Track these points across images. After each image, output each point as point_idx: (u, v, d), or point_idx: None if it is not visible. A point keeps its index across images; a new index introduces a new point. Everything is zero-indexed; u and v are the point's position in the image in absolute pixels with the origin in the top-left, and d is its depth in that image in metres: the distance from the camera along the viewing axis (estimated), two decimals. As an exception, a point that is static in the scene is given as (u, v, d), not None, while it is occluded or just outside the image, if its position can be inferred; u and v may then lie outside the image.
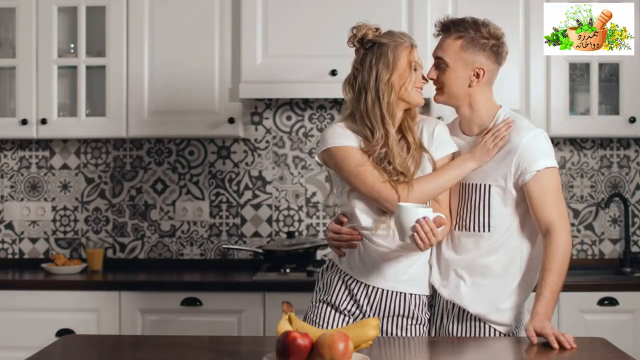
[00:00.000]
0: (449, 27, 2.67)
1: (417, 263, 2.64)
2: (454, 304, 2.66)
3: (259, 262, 4.04)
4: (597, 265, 4.05)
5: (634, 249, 4.10)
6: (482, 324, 2.65)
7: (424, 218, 2.40)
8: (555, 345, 2.40)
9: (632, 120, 3.80)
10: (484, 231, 2.63)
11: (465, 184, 2.66)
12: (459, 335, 2.66)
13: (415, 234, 2.41)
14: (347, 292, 2.66)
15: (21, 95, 3.86)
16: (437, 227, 2.43)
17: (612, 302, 3.56)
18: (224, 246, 4.08)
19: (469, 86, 2.66)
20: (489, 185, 2.62)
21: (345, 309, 2.65)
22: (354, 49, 2.67)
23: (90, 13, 3.88)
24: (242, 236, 4.13)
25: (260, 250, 3.95)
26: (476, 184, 2.64)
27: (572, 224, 4.10)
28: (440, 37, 2.70)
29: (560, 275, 2.55)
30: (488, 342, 2.60)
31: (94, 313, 3.62)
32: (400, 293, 2.64)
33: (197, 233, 4.14)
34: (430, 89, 2.72)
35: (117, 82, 3.83)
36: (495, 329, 2.65)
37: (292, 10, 3.72)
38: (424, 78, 2.65)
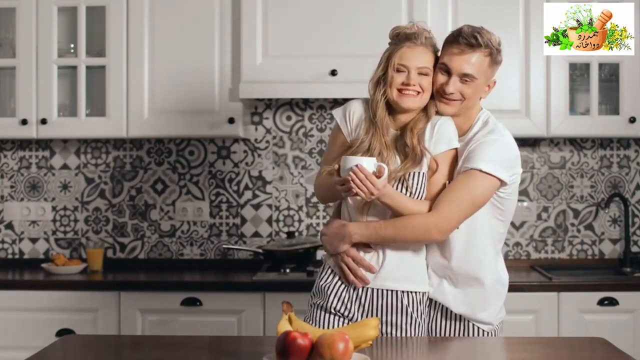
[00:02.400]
0: (479, 42, 2.60)
1: (406, 261, 2.65)
2: (437, 302, 2.70)
3: (259, 262, 4.04)
4: (597, 265, 4.05)
5: (634, 249, 4.10)
6: (466, 322, 2.68)
7: (357, 166, 2.45)
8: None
9: (632, 120, 3.80)
10: None
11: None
12: (444, 332, 2.69)
13: (351, 182, 2.46)
14: (339, 294, 2.67)
15: (21, 95, 3.86)
16: (378, 177, 2.47)
17: (612, 302, 3.56)
18: (224, 246, 4.07)
19: (481, 98, 2.71)
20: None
21: (338, 310, 2.65)
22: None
23: (90, 13, 3.88)
24: (242, 236, 4.13)
25: (260, 250, 3.94)
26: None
27: (572, 224, 4.10)
28: (465, 50, 2.61)
29: (395, 233, 2.57)
30: (491, 343, 2.60)
31: (93, 313, 3.62)
32: (389, 291, 2.64)
33: (197, 233, 4.14)
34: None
35: (117, 82, 3.83)
36: (479, 327, 2.68)
37: (292, 10, 3.72)
38: (407, 84, 2.60)
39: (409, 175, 2.60)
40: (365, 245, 2.62)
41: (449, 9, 3.78)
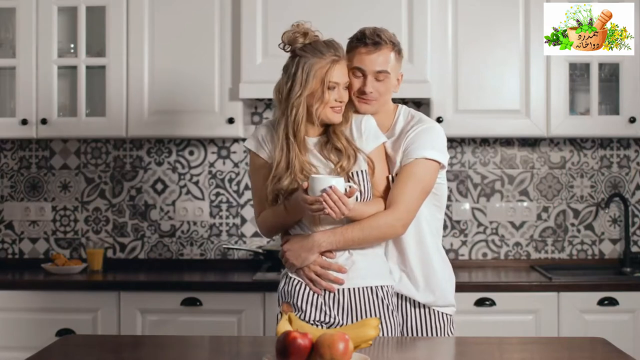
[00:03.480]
0: (384, 39, 2.71)
1: (371, 259, 2.69)
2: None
3: (259, 262, 4.04)
4: (597, 265, 4.05)
5: (634, 249, 4.10)
6: (430, 310, 2.77)
7: (331, 187, 2.48)
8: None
9: (632, 120, 3.80)
10: None
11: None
12: (412, 320, 2.76)
13: (323, 202, 2.48)
14: (314, 303, 2.66)
15: (21, 95, 3.86)
16: (349, 197, 2.51)
17: (612, 302, 3.56)
18: (224, 246, 4.07)
19: (394, 92, 2.80)
20: (391, 176, 2.74)
21: (318, 320, 2.65)
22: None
23: (90, 13, 3.88)
24: (242, 236, 4.13)
25: (260, 250, 3.95)
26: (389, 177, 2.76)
27: (572, 224, 4.10)
28: (372, 50, 2.69)
29: (363, 234, 2.63)
30: (491, 343, 2.60)
31: (93, 313, 3.62)
32: (365, 288, 2.66)
33: (197, 233, 4.14)
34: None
35: (117, 82, 3.83)
36: (443, 312, 2.78)
37: (292, 10, 3.71)
38: (341, 101, 2.65)
39: (354, 174, 2.64)
40: (328, 252, 2.65)
41: (449, 8, 3.78)
